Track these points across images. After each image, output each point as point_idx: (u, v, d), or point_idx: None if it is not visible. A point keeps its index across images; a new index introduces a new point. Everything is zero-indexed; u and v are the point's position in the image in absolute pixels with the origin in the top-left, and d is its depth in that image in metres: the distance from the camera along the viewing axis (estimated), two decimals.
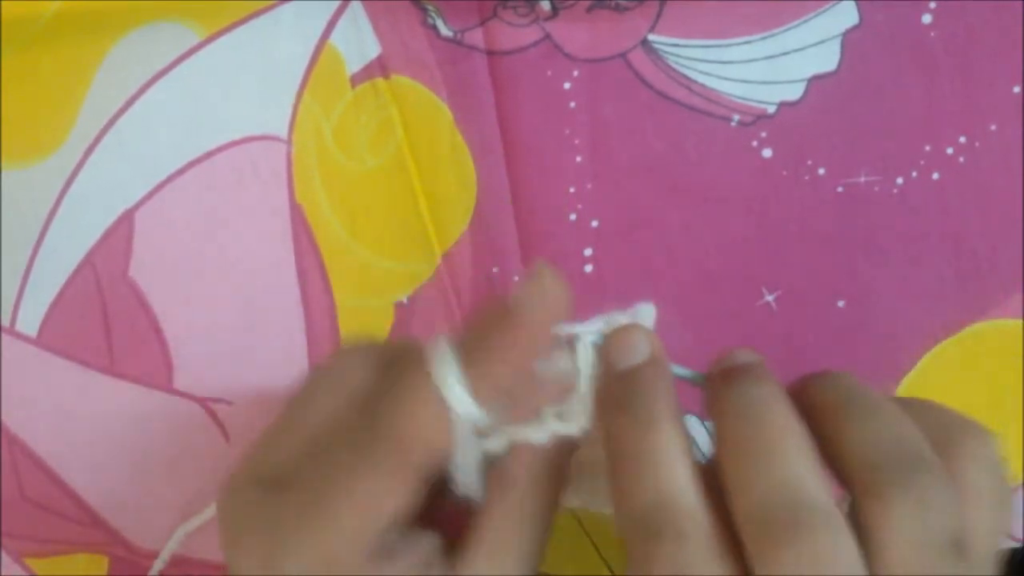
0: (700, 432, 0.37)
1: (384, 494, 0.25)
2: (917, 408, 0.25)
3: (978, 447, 0.25)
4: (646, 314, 0.27)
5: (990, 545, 0.24)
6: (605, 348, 0.26)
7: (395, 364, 0.27)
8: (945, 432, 0.25)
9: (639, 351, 0.26)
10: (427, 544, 0.26)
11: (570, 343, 0.27)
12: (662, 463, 0.24)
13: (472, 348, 0.25)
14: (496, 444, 0.27)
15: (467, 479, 0.27)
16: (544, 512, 0.26)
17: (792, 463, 0.23)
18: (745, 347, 0.26)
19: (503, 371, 0.25)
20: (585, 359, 0.26)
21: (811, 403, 0.25)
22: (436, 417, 0.25)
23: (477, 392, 0.24)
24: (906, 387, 0.38)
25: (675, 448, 0.24)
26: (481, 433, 0.26)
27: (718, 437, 0.25)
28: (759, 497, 0.23)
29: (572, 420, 0.26)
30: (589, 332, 0.27)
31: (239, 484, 0.27)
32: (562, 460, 0.27)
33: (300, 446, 0.27)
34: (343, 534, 0.25)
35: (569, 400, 0.26)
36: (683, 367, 0.27)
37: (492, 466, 0.27)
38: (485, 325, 0.25)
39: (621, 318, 0.27)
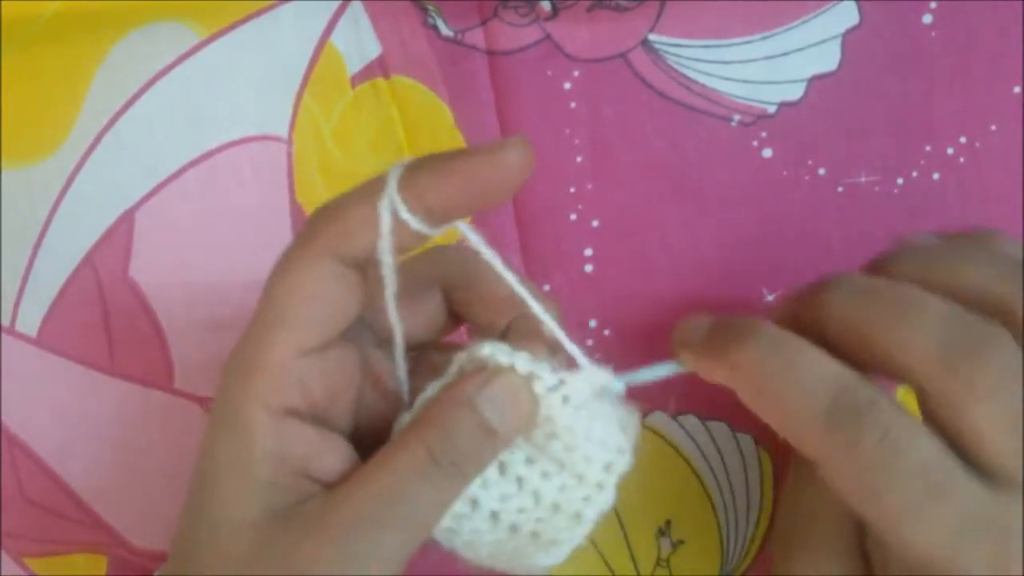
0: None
1: (311, 269, 0.25)
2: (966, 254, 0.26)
3: None
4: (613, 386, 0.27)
5: None
6: (676, 339, 0.28)
7: None
8: (1006, 283, 0.25)
9: (703, 322, 0.28)
10: (342, 448, 0.26)
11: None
12: (816, 358, 0.25)
13: (418, 160, 0.25)
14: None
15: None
16: (422, 471, 0.25)
17: (935, 302, 0.24)
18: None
19: (438, 184, 0.24)
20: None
21: (835, 317, 0.26)
22: (358, 200, 0.25)
23: (407, 191, 0.24)
24: (904, 390, 0.38)
25: (807, 345, 0.25)
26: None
27: (847, 329, 0.25)
28: (928, 338, 0.24)
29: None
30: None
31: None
32: (470, 431, 0.26)
33: None
34: (278, 314, 0.26)
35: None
36: (664, 363, 0.28)
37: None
38: (440, 155, 0.25)
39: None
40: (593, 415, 0.27)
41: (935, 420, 0.24)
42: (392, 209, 0.25)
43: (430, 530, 0.26)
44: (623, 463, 0.27)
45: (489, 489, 0.27)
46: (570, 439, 0.27)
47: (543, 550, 0.28)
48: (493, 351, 0.26)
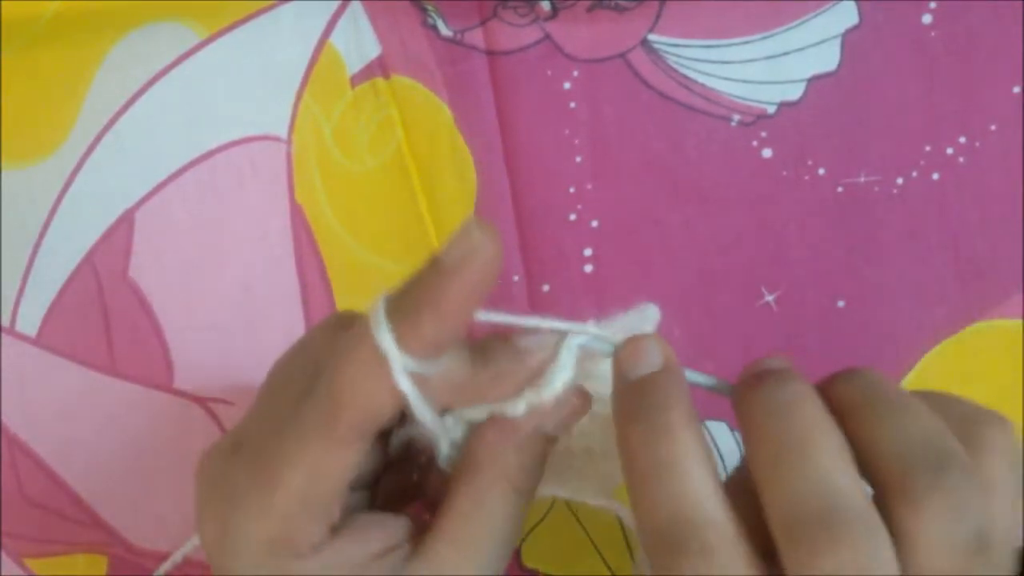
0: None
1: (325, 454, 0.24)
2: (937, 401, 0.25)
3: (1000, 438, 0.25)
4: (651, 315, 0.27)
5: (1013, 538, 0.24)
6: (617, 358, 0.26)
7: (342, 327, 0.27)
8: (967, 424, 0.25)
9: (652, 360, 0.26)
10: (394, 525, 0.26)
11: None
12: (681, 473, 0.23)
13: (402, 303, 0.24)
14: (477, 415, 0.27)
15: (443, 451, 0.27)
16: (509, 503, 0.26)
17: (826, 461, 0.23)
18: (776, 354, 0.26)
19: (435, 323, 0.24)
20: (568, 347, 0.26)
21: (836, 402, 0.25)
22: (368, 374, 0.24)
23: (408, 343, 0.24)
24: (906, 387, 0.38)
25: (693, 456, 0.24)
26: (445, 404, 0.26)
27: (748, 439, 0.24)
28: (793, 498, 0.23)
29: (547, 386, 0.26)
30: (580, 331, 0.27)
31: (208, 455, 0.27)
32: (535, 450, 0.26)
33: (259, 412, 0.27)
34: (291, 494, 0.24)
35: (548, 373, 0.26)
36: (705, 375, 0.27)
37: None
38: (415, 280, 0.24)
39: (623, 319, 0.27)
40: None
41: (886, 515, 0.24)
42: (408, 372, 0.24)
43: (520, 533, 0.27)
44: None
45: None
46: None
47: (601, 467, 0.29)
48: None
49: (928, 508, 0.22)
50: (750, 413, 0.24)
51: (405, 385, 0.24)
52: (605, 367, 0.27)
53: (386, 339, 0.24)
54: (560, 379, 0.26)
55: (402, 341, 0.23)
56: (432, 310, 0.24)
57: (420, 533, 0.26)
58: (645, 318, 0.27)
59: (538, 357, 0.26)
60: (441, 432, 0.26)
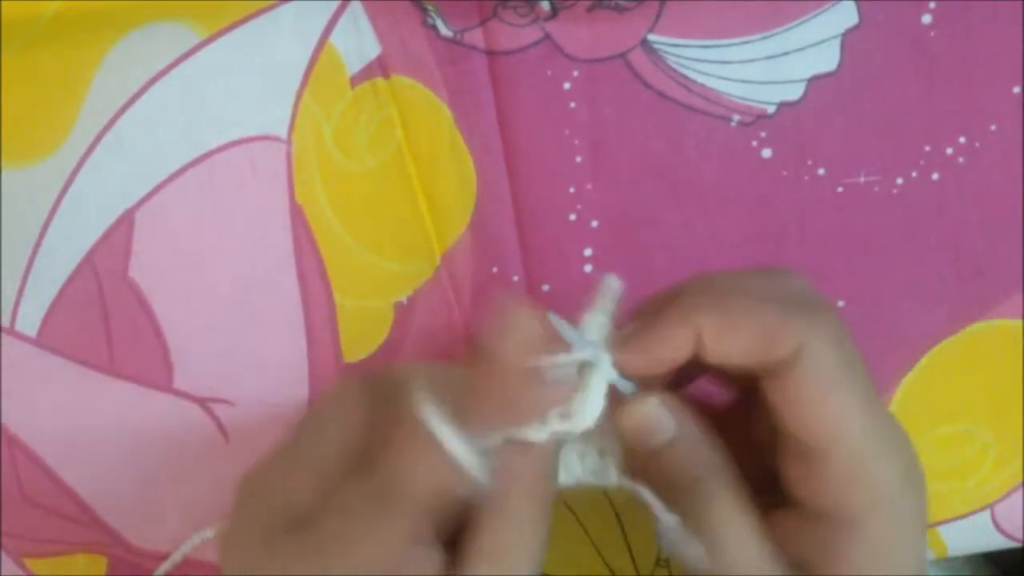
0: None
1: (399, 537, 0.26)
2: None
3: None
4: (614, 288, 0.28)
5: None
6: (625, 430, 0.28)
7: (389, 402, 0.29)
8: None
9: (663, 429, 0.28)
10: (435, 558, 0.27)
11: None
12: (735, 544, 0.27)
13: (467, 410, 0.26)
14: (496, 441, 0.27)
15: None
16: (541, 511, 0.27)
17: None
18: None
19: (489, 410, 0.26)
20: (598, 382, 0.27)
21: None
22: (435, 465, 0.26)
23: (468, 429, 0.26)
24: (906, 387, 0.38)
25: (742, 520, 0.27)
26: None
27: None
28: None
29: (576, 418, 0.27)
30: (594, 325, 0.27)
31: (249, 520, 0.28)
32: (554, 462, 0.28)
33: (311, 485, 0.28)
34: (360, 569, 0.26)
35: (572, 400, 0.27)
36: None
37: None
38: (476, 386, 0.27)
39: (598, 307, 0.28)
40: None
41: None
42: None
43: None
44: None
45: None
46: None
47: (603, 447, 0.30)
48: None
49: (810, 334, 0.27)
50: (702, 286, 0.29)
51: (467, 462, 0.26)
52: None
53: (449, 435, 0.26)
54: (591, 414, 0.27)
55: (463, 428, 0.26)
56: (486, 403, 0.27)
57: (454, 555, 0.27)
58: (612, 295, 0.28)
59: (565, 389, 0.27)
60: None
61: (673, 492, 0.27)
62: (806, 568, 0.27)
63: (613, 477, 0.29)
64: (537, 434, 0.27)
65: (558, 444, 0.27)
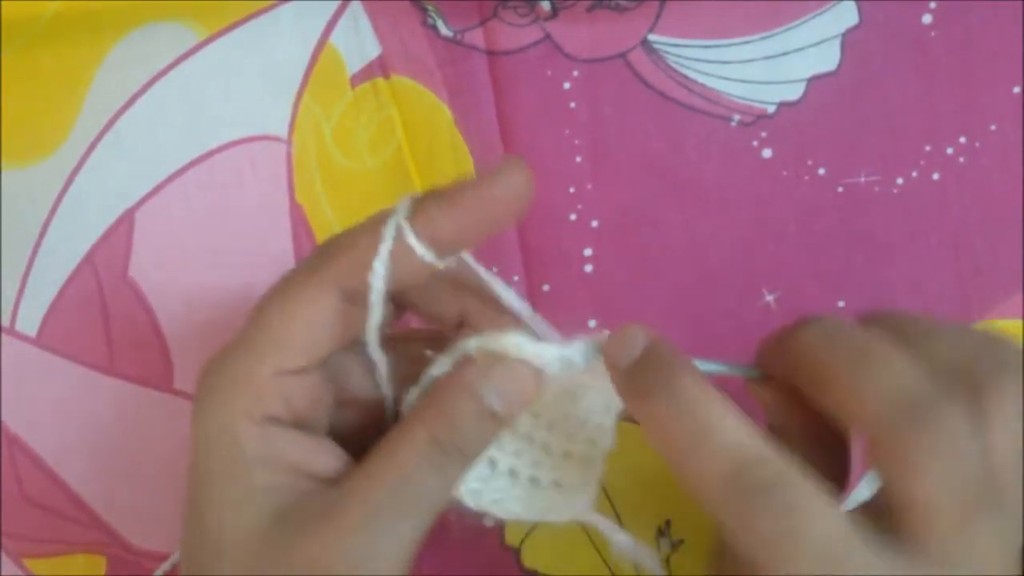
0: None
1: (313, 297, 0.25)
2: (948, 334, 0.26)
3: (1004, 374, 0.24)
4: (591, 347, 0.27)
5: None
6: (606, 352, 0.27)
7: None
8: (976, 361, 0.25)
9: (639, 341, 0.26)
10: (341, 460, 0.27)
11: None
12: (727, 427, 0.24)
13: (426, 195, 0.25)
14: (441, 367, 0.27)
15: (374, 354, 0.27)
16: (421, 452, 0.26)
17: (898, 360, 0.24)
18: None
19: (450, 220, 0.25)
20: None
21: (803, 355, 0.26)
22: (366, 231, 0.25)
23: (419, 224, 0.25)
24: None
25: (725, 407, 0.25)
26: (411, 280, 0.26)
27: (809, 362, 0.25)
28: (885, 391, 0.24)
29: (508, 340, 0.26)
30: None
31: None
32: (472, 414, 0.26)
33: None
34: (266, 332, 0.26)
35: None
36: (731, 364, 0.28)
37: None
38: (446, 186, 0.25)
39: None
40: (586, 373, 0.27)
41: (879, 472, 0.24)
42: (397, 236, 0.25)
43: (439, 510, 0.26)
44: (619, 403, 0.28)
45: (503, 448, 0.28)
46: (570, 399, 0.28)
47: (568, 499, 0.29)
48: (502, 338, 0.26)
49: (916, 461, 0.23)
50: (805, 343, 0.26)
51: (387, 238, 0.25)
52: (593, 403, 0.28)
53: (399, 207, 0.25)
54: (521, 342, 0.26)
55: (412, 216, 0.25)
56: (450, 202, 0.25)
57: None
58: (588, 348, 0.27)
59: (514, 313, 0.27)
60: (378, 357, 0.27)
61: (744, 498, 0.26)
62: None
63: (577, 509, 0.29)
64: (465, 345, 0.26)
65: (490, 416, 0.26)
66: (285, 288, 0.26)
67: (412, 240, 0.25)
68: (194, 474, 0.26)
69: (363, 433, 0.28)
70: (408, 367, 0.28)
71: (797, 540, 0.23)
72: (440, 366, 0.27)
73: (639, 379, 0.26)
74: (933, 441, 0.23)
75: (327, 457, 0.26)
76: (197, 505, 0.26)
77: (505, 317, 0.28)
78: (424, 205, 0.25)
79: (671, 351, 0.26)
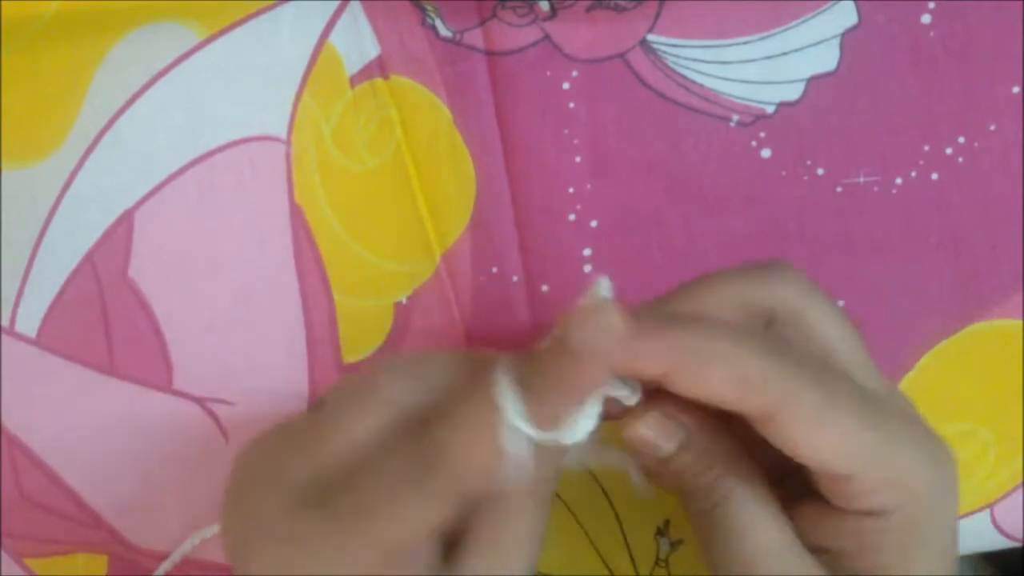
0: None
1: (429, 515, 0.25)
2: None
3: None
4: (604, 287, 0.27)
5: None
6: (629, 445, 0.27)
7: (450, 387, 0.27)
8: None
9: (668, 438, 0.27)
10: (432, 546, 0.26)
11: None
12: None
13: (531, 383, 0.25)
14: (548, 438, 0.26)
15: None
16: (543, 511, 0.27)
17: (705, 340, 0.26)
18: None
19: (558, 402, 0.24)
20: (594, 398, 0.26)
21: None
22: (494, 448, 0.24)
23: (537, 423, 0.24)
24: (906, 387, 0.38)
25: None
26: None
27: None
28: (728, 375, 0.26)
29: (567, 430, 0.26)
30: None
31: (263, 492, 0.27)
32: (553, 465, 0.27)
33: (340, 458, 0.26)
34: (378, 549, 0.25)
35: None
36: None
37: None
38: (544, 360, 0.25)
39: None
40: None
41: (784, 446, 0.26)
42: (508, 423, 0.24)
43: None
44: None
45: None
46: None
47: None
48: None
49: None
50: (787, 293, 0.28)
51: (523, 452, 0.24)
52: None
53: (518, 420, 0.24)
54: (584, 427, 0.26)
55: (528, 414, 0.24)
56: (558, 390, 0.24)
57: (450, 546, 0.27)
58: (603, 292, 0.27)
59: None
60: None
61: (690, 495, 0.27)
62: (833, 555, 0.27)
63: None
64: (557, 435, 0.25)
65: (562, 450, 0.27)
66: (396, 506, 0.25)
67: (528, 429, 0.24)
68: None
69: None
70: None
71: (737, 560, 0.25)
72: None
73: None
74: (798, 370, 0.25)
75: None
76: None
77: None
78: (531, 387, 0.24)
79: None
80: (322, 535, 0.25)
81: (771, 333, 0.28)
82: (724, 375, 0.25)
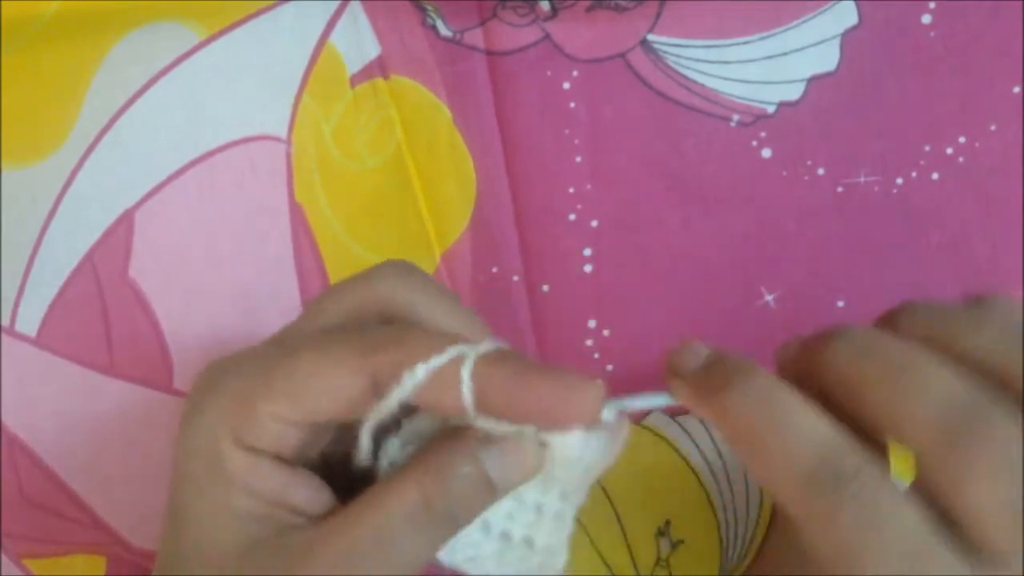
0: (700, 431, 0.37)
1: (345, 373, 0.25)
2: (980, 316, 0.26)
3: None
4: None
5: None
6: (669, 361, 0.27)
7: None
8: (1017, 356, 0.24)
9: (701, 351, 0.27)
10: (322, 500, 0.26)
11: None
12: (804, 418, 0.24)
13: (505, 360, 0.25)
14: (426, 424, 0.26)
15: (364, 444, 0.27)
16: (410, 512, 0.25)
17: (938, 371, 0.24)
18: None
19: (507, 394, 0.24)
20: None
21: (835, 370, 0.25)
22: (423, 345, 0.25)
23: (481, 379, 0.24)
24: None
25: (800, 400, 0.24)
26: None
27: (846, 387, 0.25)
28: (931, 410, 0.23)
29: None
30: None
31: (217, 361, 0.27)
32: (468, 481, 0.25)
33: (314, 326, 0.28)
34: (290, 385, 0.25)
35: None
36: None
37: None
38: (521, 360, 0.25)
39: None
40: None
41: (930, 487, 0.24)
42: (452, 368, 0.24)
43: (419, 569, 0.26)
44: (600, 467, 0.27)
45: None
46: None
47: (542, 559, 0.28)
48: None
49: (971, 476, 0.22)
50: (836, 358, 0.25)
51: (466, 378, 0.24)
52: (569, 463, 0.26)
53: (472, 357, 0.24)
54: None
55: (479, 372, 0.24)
56: (520, 382, 0.24)
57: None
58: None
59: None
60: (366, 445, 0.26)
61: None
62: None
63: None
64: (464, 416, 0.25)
65: (485, 484, 0.25)
66: (324, 349, 0.25)
67: (466, 389, 0.24)
68: (176, 482, 0.26)
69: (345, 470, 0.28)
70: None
71: (882, 533, 0.23)
72: (426, 420, 0.27)
73: (710, 378, 0.26)
74: (986, 455, 0.23)
75: (309, 491, 0.26)
76: (176, 516, 0.26)
77: None
78: (495, 366, 0.24)
79: (732, 354, 0.26)
80: (239, 376, 0.26)
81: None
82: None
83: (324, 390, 0.25)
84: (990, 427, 0.23)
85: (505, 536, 0.28)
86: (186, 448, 0.26)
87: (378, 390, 0.25)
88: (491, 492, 0.26)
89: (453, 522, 0.26)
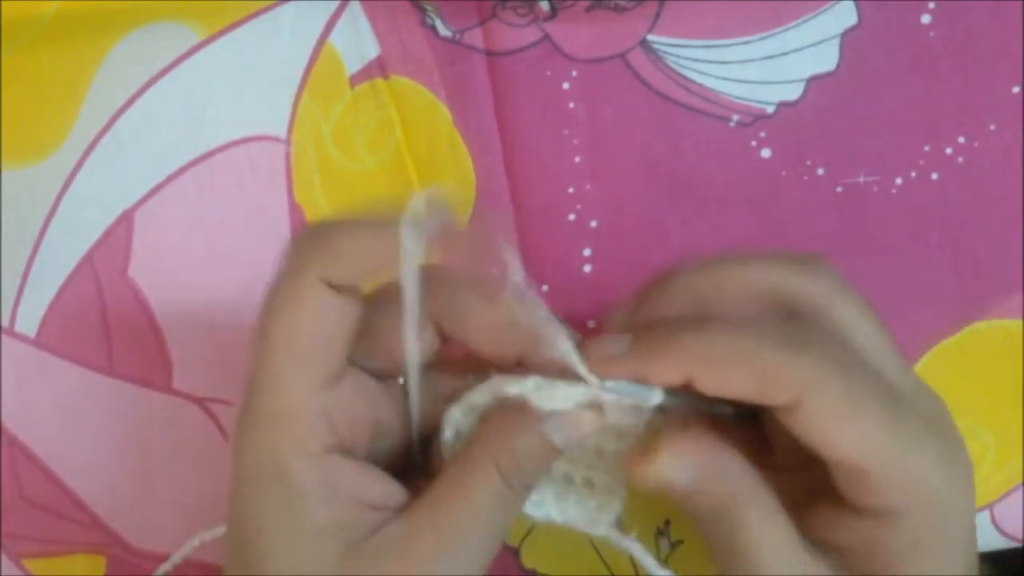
0: None
1: (306, 304, 0.25)
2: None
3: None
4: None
5: None
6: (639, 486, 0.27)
7: None
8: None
9: (678, 478, 0.27)
10: (398, 492, 0.27)
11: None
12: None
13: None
14: (482, 399, 0.27)
15: (448, 437, 0.28)
16: (492, 490, 0.26)
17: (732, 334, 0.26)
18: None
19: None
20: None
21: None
22: (358, 229, 0.25)
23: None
24: None
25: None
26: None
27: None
28: (753, 367, 0.26)
29: (546, 400, 0.26)
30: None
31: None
32: (535, 449, 0.27)
33: None
34: (288, 357, 0.25)
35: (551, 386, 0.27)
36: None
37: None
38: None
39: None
40: None
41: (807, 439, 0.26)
42: (417, 233, 0.24)
43: (504, 538, 0.28)
44: (649, 405, 0.27)
45: None
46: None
47: (600, 500, 0.29)
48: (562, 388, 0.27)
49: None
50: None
51: (409, 237, 0.24)
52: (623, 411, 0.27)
53: (415, 204, 0.25)
54: (554, 401, 0.26)
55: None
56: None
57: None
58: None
59: (563, 349, 0.27)
60: (413, 349, 0.27)
61: (702, 522, 0.27)
62: (843, 554, 0.27)
63: (603, 527, 0.29)
64: (521, 385, 0.26)
65: (549, 449, 0.27)
66: (280, 298, 0.26)
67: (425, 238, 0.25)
68: (245, 523, 0.26)
69: (389, 462, 0.28)
70: (434, 400, 0.28)
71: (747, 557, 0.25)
72: (481, 394, 0.27)
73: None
74: (822, 358, 0.25)
75: (383, 485, 0.27)
76: (252, 556, 0.26)
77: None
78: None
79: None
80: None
81: (793, 325, 0.27)
82: (743, 374, 0.25)
83: (309, 335, 0.26)
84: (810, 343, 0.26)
85: (568, 479, 0.29)
86: (248, 481, 0.26)
87: (351, 292, 0.26)
88: (557, 454, 0.27)
89: (529, 489, 0.28)
